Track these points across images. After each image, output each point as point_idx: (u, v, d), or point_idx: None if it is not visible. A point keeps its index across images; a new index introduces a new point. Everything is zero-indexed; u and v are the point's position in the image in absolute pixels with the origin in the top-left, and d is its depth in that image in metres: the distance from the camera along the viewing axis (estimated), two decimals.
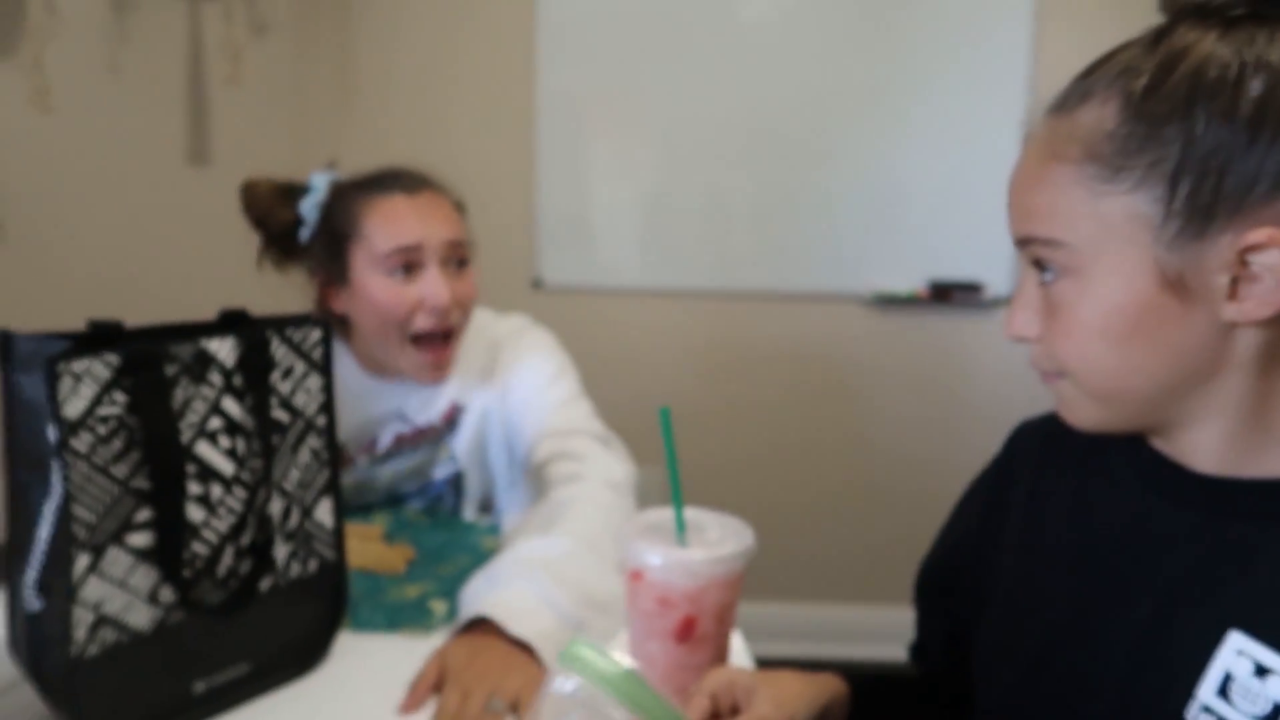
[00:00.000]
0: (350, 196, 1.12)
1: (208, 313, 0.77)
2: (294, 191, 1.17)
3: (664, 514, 0.72)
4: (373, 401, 1.18)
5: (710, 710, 0.62)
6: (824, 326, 2.39)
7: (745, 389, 2.43)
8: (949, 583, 0.79)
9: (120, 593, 0.67)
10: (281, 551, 0.78)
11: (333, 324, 1.01)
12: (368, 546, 1.06)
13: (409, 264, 1.08)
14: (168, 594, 0.70)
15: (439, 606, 0.95)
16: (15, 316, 1.68)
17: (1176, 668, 0.55)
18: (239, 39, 2.01)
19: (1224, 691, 0.53)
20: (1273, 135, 0.49)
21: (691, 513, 0.71)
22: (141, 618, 0.68)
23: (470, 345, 1.20)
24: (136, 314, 1.09)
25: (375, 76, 2.33)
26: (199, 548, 0.72)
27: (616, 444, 1.17)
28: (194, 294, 1.81)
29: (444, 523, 1.21)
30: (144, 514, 0.67)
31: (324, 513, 0.83)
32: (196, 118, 2.11)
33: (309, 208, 1.15)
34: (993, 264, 2.31)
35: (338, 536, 0.84)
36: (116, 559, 0.66)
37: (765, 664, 0.77)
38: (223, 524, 0.73)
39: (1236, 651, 0.53)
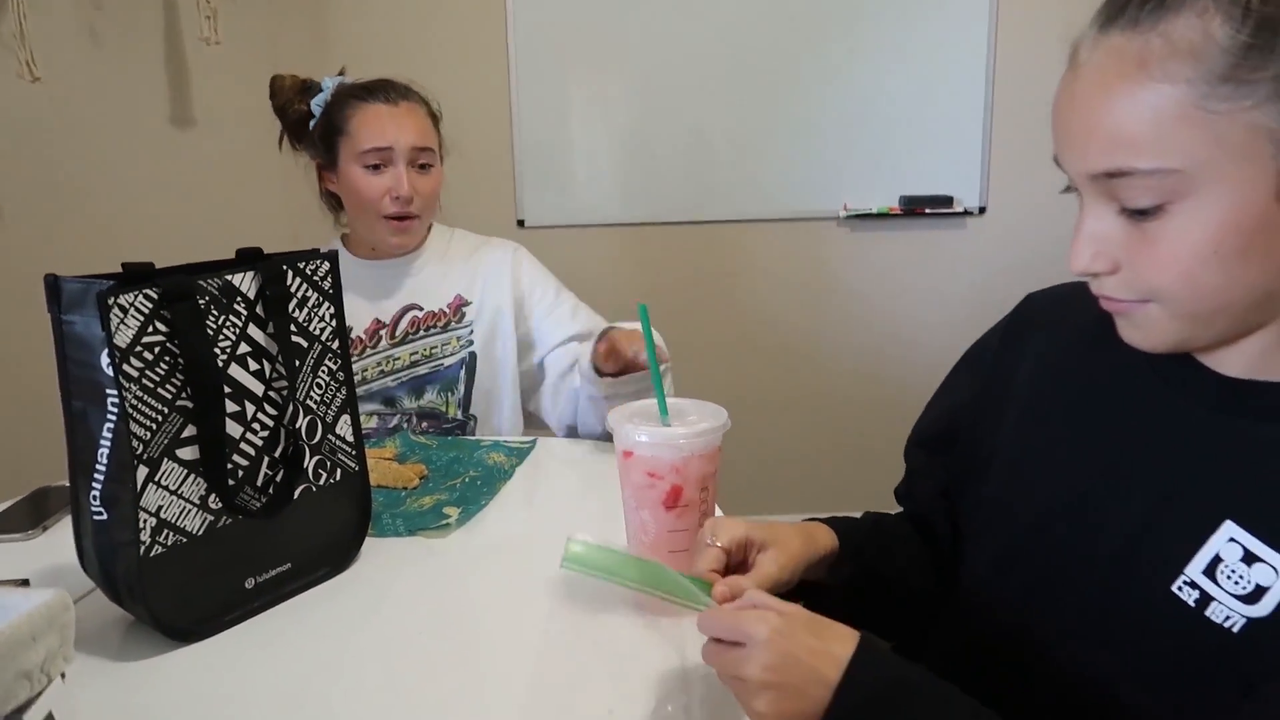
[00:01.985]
0: (345, 99, 1.39)
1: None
2: (310, 89, 1.43)
3: (649, 403, 0.81)
4: (380, 286, 1.45)
5: (723, 560, 0.68)
6: (801, 246, 2.47)
7: (727, 309, 2.52)
8: (945, 441, 0.82)
9: (176, 500, 0.76)
10: (310, 462, 0.87)
11: (329, 202, 1.47)
12: (383, 465, 1.15)
13: (381, 161, 1.36)
14: (215, 501, 0.79)
15: (452, 512, 1.05)
16: (11, 279, 1.74)
17: (1170, 547, 0.57)
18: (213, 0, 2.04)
19: (1210, 571, 0.55)
20: None
21: (672, 401, 0.81)
22: (195, 522, 0.78)
23: (465, 252, 1.50)
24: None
25: (349, 28, 2.36)
26: (239, 459, 0.81)
27: None
28: (185, 254, 1.88)
29: (452, 442, 1.30)
30: (190, 430, 0.76)
31: (344, 428, 0.91)
32: (177, 80, 2.15)
33: (317, 104, 1.41)
34: (962, 178, 2.39)
35: (358, 449, 0.93)
36: (170, 470, 0.75)
37: None
38: (257, 438, 0.82)
39: (1228, 539, 0.55)
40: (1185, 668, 0.56)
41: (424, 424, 1.43)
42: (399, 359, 1.43)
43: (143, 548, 0.74)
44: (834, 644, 0.57)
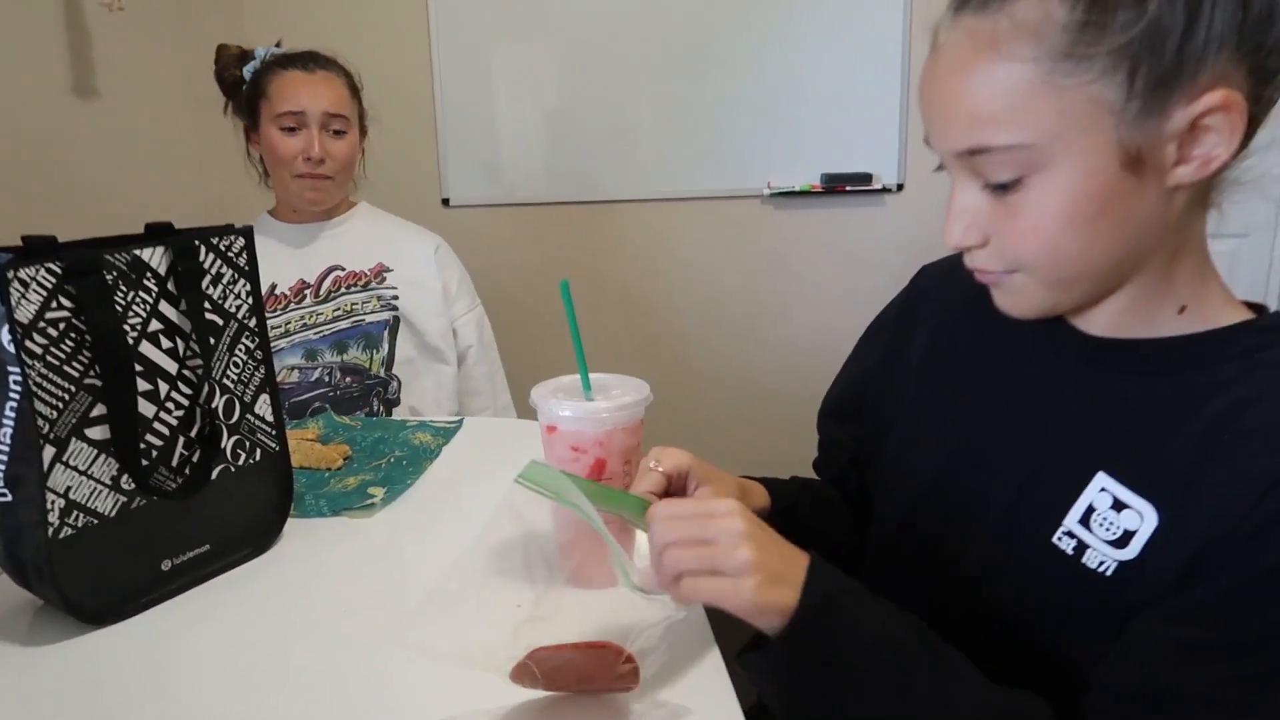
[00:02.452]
0: (270, 67, 1.50)
1: None
2: (246, 57, 1.54)
3: (573, 378, 0.82)
4: (305, 246, 1.54)
5: (664, 485, 0.69)
6: (726, 224, 2.49)
7: (653, 287, 2.54)
8: (852, 409, 0.86)
9: (86, 480, 0.74)
10: (228, 442, 0.86)
11: (258, 167, 1.58)
12: (305, 446, 1.13)
13: (296, 124, 1.47)
14: (128, 482, 0.77)
15: (377, 492, 1.04)
16: None
17: (1051, 499, 0.61)
18: None
19: (1085, 520, 0.59)
20: (1212, 3, 0.51)
21: (595, 376, 0.82)
22: (107, 503, 0.76)
23: (391, 229, 1.62)
24: None
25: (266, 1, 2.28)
26: (152, 439, 0.79)
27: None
28: (91, 230, 1.82)
29: (377, 423, 1.29)
30: (99, 409, 0.74)
31: (263, 407, 0.90)
32: (78, 49, 2.05)
33: (249, 70, 1.52)
34: (882, 155, 2.44)
35: (279, 429, 0.92)
36: (79, 450, 0.73)
37: None
38: (172, 417, 0.80)
39: (1100, 489, 0.59)
40: (1068, 612, 0.60)
41: (347, 378, 1.47)
42: (322, 314, 1.52)
43: (51, 529, 0.71)
44: (791, 549, 0.59)
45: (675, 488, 0.72)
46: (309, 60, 1.50)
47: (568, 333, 0.80)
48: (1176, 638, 0.54)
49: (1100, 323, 0.64)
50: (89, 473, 0.74)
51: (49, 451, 0.71)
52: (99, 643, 0.74)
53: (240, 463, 0.87)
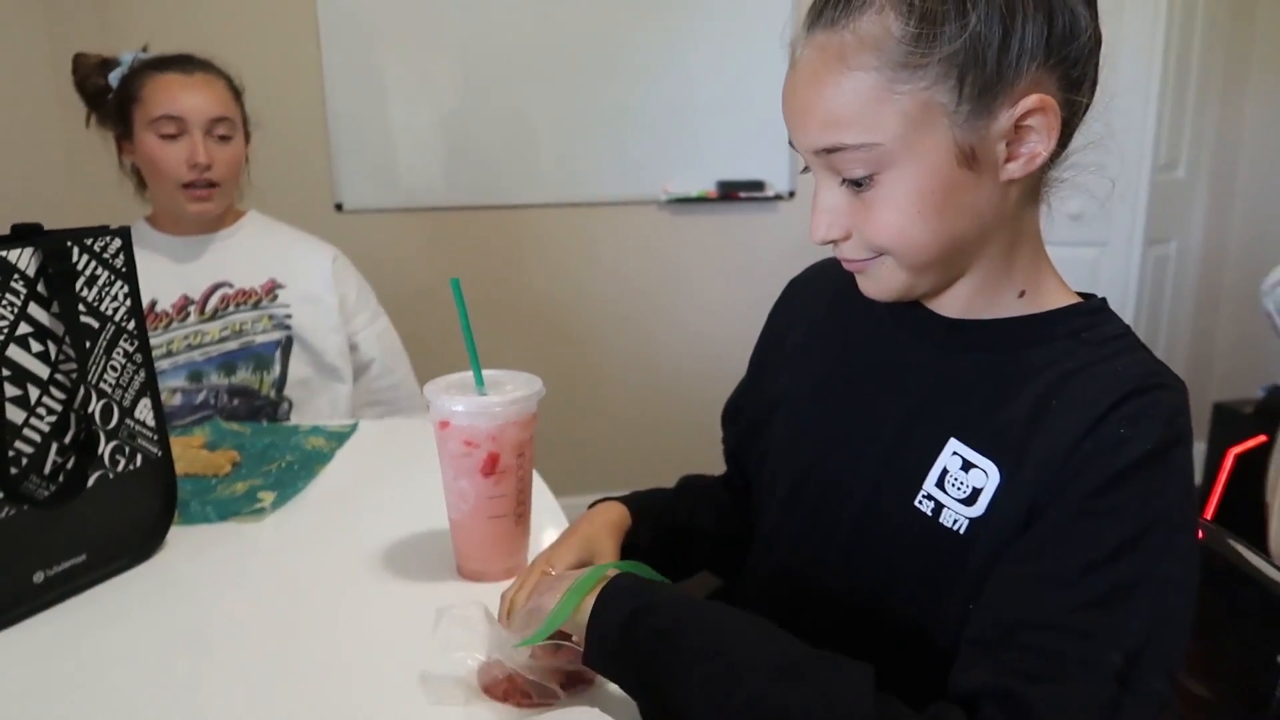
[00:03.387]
0: (140, 70, 1.38)
1: None
2: (109, 64, 1.40)
3: (465, 375, 0.83)
4: (188, 260, 1.43)
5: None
6: (623, 229, 2.53)
7: (549, 290, 2.55)
8: (734, 412, 0.93)
9: None
10: (106, 448, 0.83)
11: (133, 178, 1.44)
12: (191, 453, 1.10)
13: (177, 130, 1.35)
14: None
15: (267, 496, 1.02)
16: None
17: (911, 468, 0.66)
18: None
19: (940, 483, 0.65)
20: (1023, 18, 0.58)
21: (488, 373, 0.83)
22: None
23: (284, 241, 1.52)
24: None
25: (140, 3, 2.20)
26: (22, 445, 0.76)
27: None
28: None
29: (268, 429, 1.26)
30: None
31: (144, 412, 0.87)
32: None
33: (115, 77, 1.39)
34: (774, 163, 2.52)
35: (161, 434, 0.89)
36: None
37: None
38: (44, 423, 0.77)
39: (952, 453, 0.64)
40: (929, 570, 0.65)
41: (234, 400, 1.39)
42: (208, 334, 1.41)
43: None
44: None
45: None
46: (185, 62, 1.39)
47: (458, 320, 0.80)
48: (1019, 574, 0.59)
49: (952, 306, 0.70)
50: None
51: None
52: None
53: (119, 469, 0.85)
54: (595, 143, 2.46)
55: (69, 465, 0.80)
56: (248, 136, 1.47)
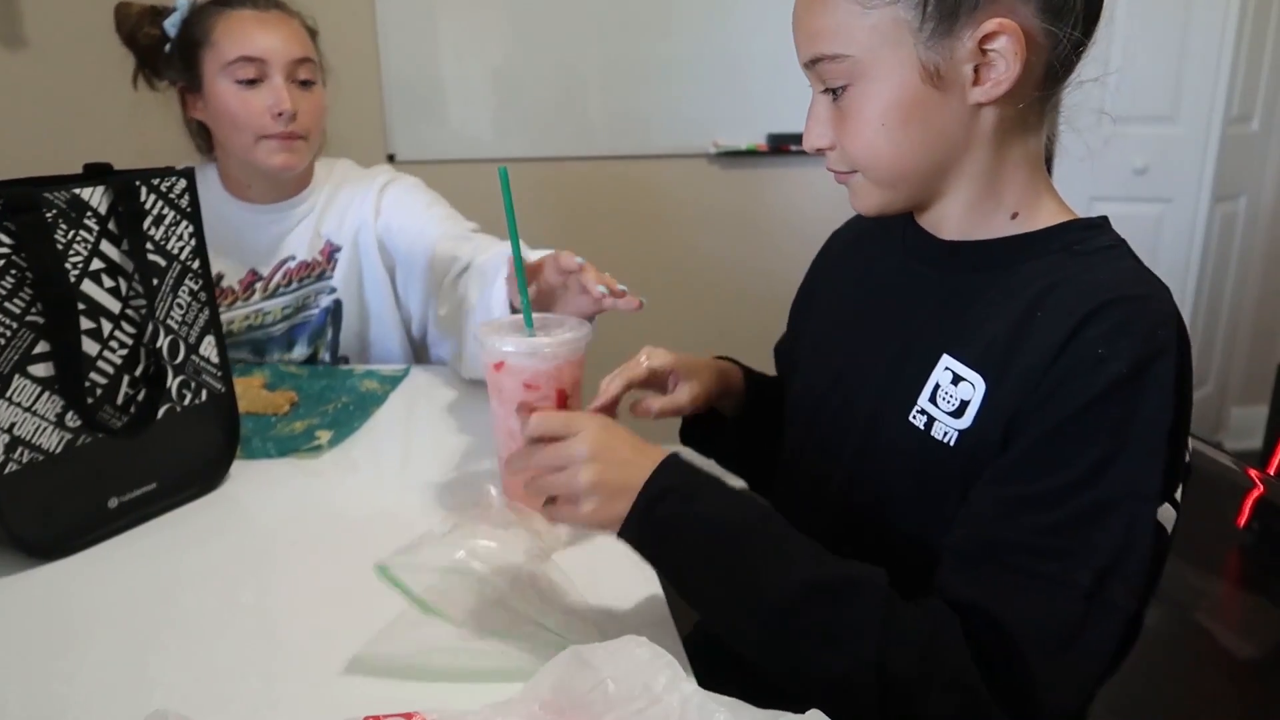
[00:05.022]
0: (205, 10, 1.22)
1: None
2: (161, 12, 1.25)
3: (514, 317, 0.84)
4: (260, 235, 1.31)
5: (643, 378, 0.82)
6: (672, 182, 2.51)
7: (600, 243, 2.55)
8: (778, 355, 0.97)
9: (30, 417, 0.74)
10: (173, 382, 0.87)
11: (198, 138, 1.28)
12: (252, 392, 1.14)
13: (257, 74, 1.19)
14: (73, 419, 0.78)
15: (324, 435, 1.05)
16: None
17: (908, 385, 0.69)
18: None
19: (933, 398, 0.67)
20: None
21: (537, 316, 0.84)
22: (52, 440, 0.76)
23: (339, 187, 1.36)
24: None
25: None
26: (97, 377, 0.80)
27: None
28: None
29: (323, 371, 1.30)
30: (43, 346, 0.74)
31: (208, 348, 0.91)
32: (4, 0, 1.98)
33: (172, 24, 1.23)
34: None
35: (224, 370, 0.93)
36: (22, 387, 0.73)
37: None
38: (116, 356, 0.81)
39: (944, 368, 0.67)
40: (923, 482, 0.68)
41: (294, 368, 1.37)
42: (269, 313, 1.33)
43: None
44: (646, 457, 0.65)
45: (658, 381, 0.84)
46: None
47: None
48: (997, 494, 0.61)
49: (948, 228, 0.72)
50: (33, 409, 0.75)
51: None
52: (46, 578, 0.76)
53: (186, 403, 0.88)
54: (644, 95, 2.44)
55: (139, 397, 0.84)
56: (324, 83, 1.32)
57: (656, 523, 0.63)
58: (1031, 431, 0.61)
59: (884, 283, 0.78)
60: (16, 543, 0.75)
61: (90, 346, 0.78)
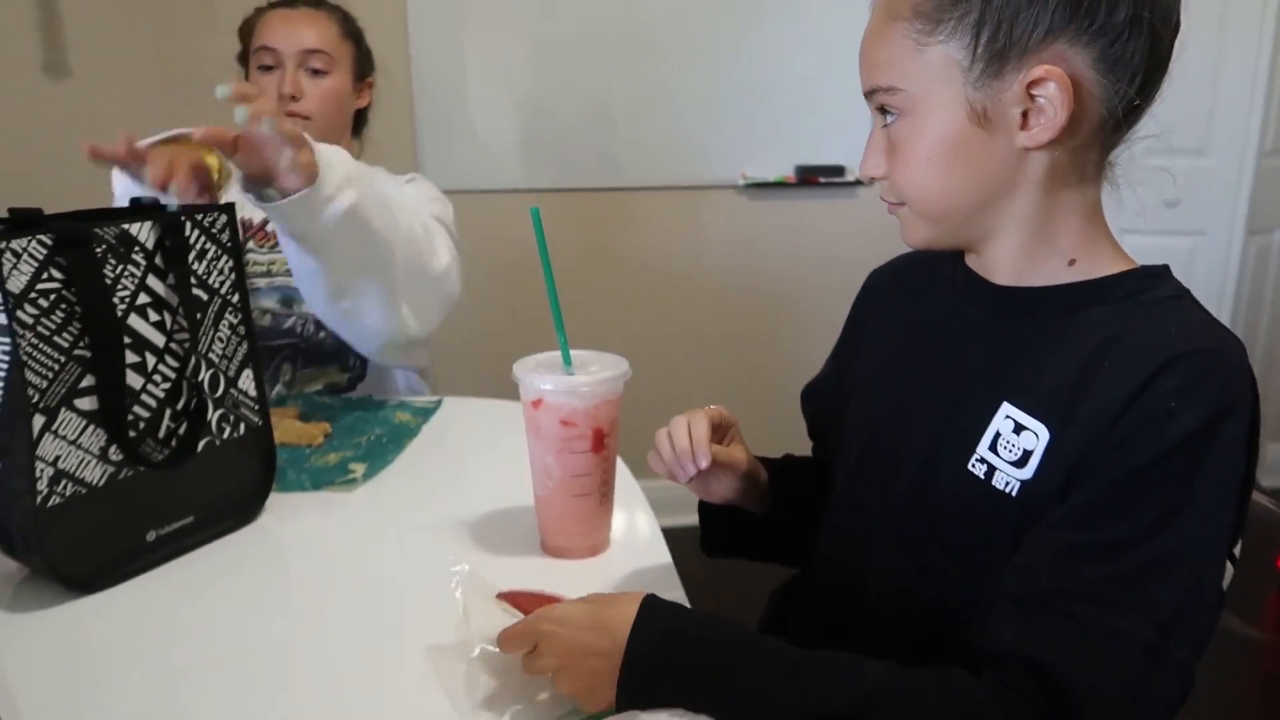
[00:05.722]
0: (261, 9, 1.42)
1: None
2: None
3: (553, 355, 0.84)
4: None
5: (710, 426, 0.80)
6: (700, 214, 2.52)
7: (628, 276, 2.56)
8: (814, 390, 0.95)
9: (74, 450, 0.75)
10: (213, 415, 0.87)
11: None
12: (286, 423, 1.15)
13: (271, 62, 1.36)
14: (116, 452, 0.78)
15: (358, 468, 1.05)
16: None
17: (966, 431, 0.68)
18: None
19: (993, 446, 0.66)
20: None
21: (575, 353, 0.84)
22: (95, 473, 0.77)
23: (377, 180, 1.35)
24: None
25: None
26: (140, 410, 0.80)
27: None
28: (60, 206, 1.80)
29: (355, 402, 1.31)
30: (89, 380, 0.75)
31: (247, 382, 0.91)
32: (49, 27, 2.03)
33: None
34: (853, 147, 2.46)
35: (261, 404, 0.93)
36: (69, 420, 0.74)
37: (667, 532, 0.92)
38: (159, 389, 0.82)
39: (1005, 416, 0.66)
40: (982, 532, 0.66)
41: (320, 333, 1.36)
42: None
43: (39, 497, 0.73)
44: (612, 618, 0.62)
45: (716, 436, 0.82)
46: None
47: (546, 319, 0.83)
48: (1058, 542, 0.60)
49: (1001, 272, 0.72)
50: (78, 442, 0.75)
51: (39, 420, 0.72)
52: (85, 610, 0.76)
53: (225, 436, 0.89)
54: (671, 127, 2.45)
55: (181, 431, 0.84)
56: (362, 78, 1.46)
57: (651, 694, 0.61)
58: (1096, 481, 0.60)
59: (935, 324, 0.77)
60: (56, 575, 0.76)
61: (134, 380, 0.79)
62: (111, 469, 0.78)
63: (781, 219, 2.53)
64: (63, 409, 0.73)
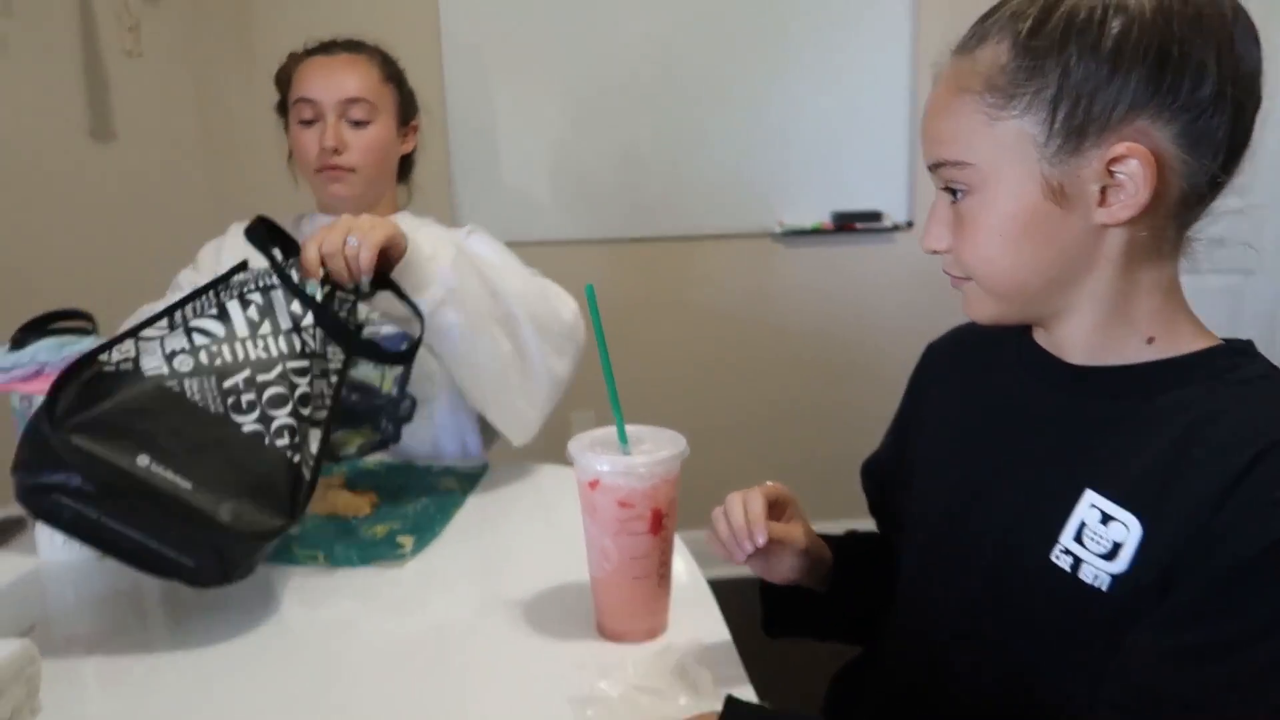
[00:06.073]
0: (298, 57, 1.36)
1: (125, 287, 0.85)
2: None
3: (606, 430, 0.82)
4: None
5: (766, 504, 0.78)
6: (736, 263, 2.51)
7: (661, 326, 2.54)
8: (874, 468, 0.92)
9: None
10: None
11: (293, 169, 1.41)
12: (335, 494, 1.13)
13: (314, 115, 1.31)
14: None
15: (407, 541, 1.04)
16: None
17: (1045, 520, 0.65)
18: (135, 8, 1.97)
19: (1079, 537, 0.63)
20: (1129, 66, 0.59)
21: (630, 429, 0.82)
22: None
23: (432, 233, 1.37)
24: (53, 293, 1.14)
25: (276, 41, 2.31)
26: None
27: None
28: (107, 271, 1.82)
29: (400, 468, 1.29)
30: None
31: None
32: (96, 92, 2.07)
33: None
34: (890, 193, 2.46)
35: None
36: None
37: (713, 584, 0.90)
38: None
39: (1090, 505, 0.63)
40: (1068, 626, 0.63)
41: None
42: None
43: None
44: None
45: (774, 514, 0.80)
46: (333, 44, 1.35)
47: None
48: (1164, 644, 0.57)
49: (1075, 351, 0.69)
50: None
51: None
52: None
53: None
54: (707, 175, 2.46)
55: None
56: (406, 120, 1.41)
57: None
58: (1199, 577, 0.57)
59: (1002, 403, 0.75)
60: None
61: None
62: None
63: (819, 266, 2.51)
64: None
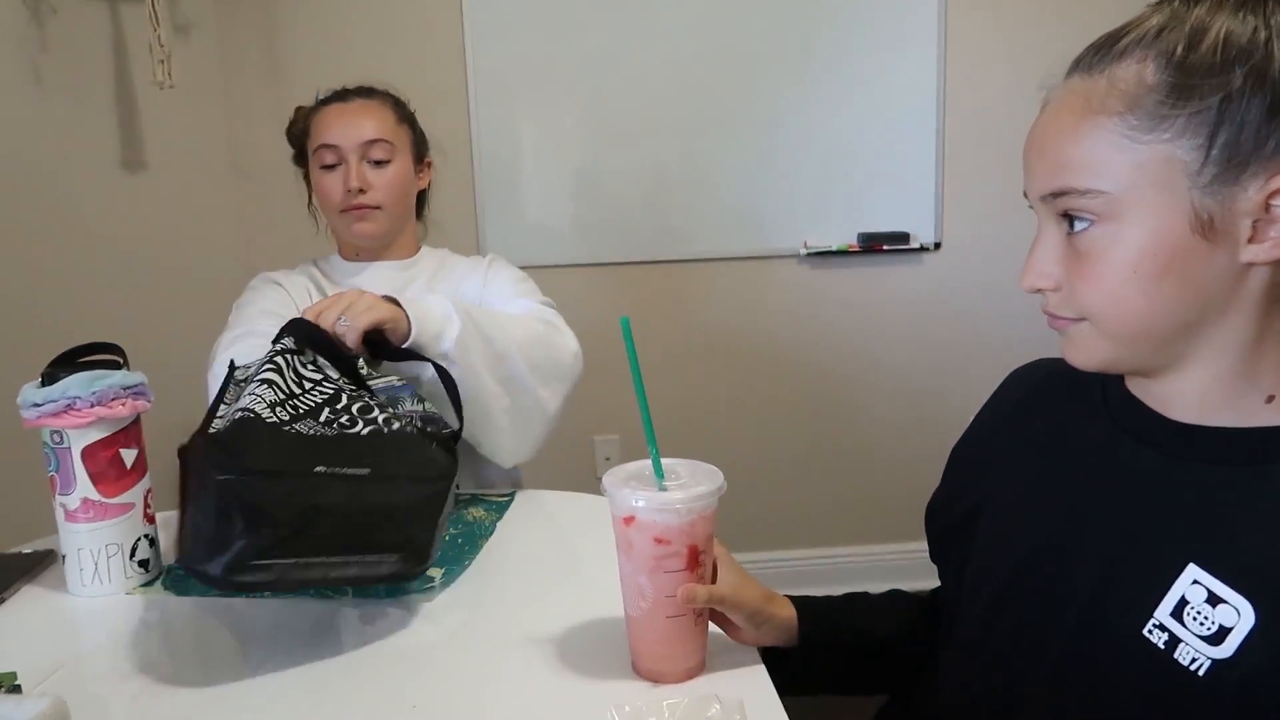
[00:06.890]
0: (315, 107, 1.43)
1: (155, 319, 0.85)
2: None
3: (641, 464, 0.80)
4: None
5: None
6: (761, 284, 2.49)
7: (686, 348, 2.52)
8: (937, 507, 0.86)
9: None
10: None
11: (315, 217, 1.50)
12: None
13: (335, 159, 1.37)
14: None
15: (436, 574, 1.02)
16: None
17: (1137, 591, 0.60)
18: (165, 41, 2.00)
19: (1178, 614, 0.58)
20: None
21: (666, 463, 0.80)
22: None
23: (451, 268, 1.49)
24: (83, 325, 1.15)
25: (305, 70, 2.33)
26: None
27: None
28: (137, 302, 1.84)
29: None
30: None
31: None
32: (128, 124, 2.10)
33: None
34: (918, 214, 2.44)
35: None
36: None
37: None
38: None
39: (1192, 581, 0.58)
40: (1154, 711, 0.58)
41: (428, 429, 1.32)
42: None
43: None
44: None
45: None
46: (347, 91, 1.43)
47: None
48: None
49: (1182, 407, 0.63)
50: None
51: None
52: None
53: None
54: (730, 197, 2.45)
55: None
56: (420, 158, 1.47)
57: None
58: None
59: (1088, 456, 0.69)
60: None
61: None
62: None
63: (846, 288, 2.49)
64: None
